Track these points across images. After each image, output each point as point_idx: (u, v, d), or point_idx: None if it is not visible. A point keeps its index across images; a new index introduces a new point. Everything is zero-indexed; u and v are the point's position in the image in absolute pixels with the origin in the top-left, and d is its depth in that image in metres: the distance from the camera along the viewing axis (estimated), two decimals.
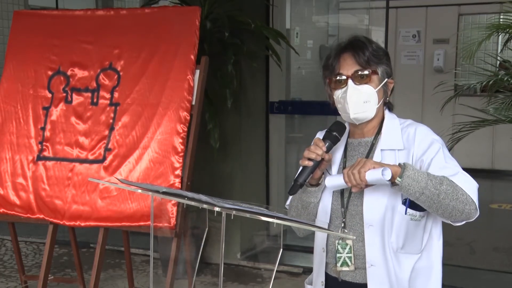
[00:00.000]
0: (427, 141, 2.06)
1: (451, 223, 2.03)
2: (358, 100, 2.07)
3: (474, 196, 1.97)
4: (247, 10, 4.98)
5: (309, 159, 2.05)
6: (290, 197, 2.26)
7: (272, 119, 5.65)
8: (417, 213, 2.05)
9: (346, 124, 2.17)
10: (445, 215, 1.98)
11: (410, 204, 2.03)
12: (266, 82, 5.54)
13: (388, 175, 1.92)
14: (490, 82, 4.47)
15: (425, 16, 9.19)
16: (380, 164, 1.95)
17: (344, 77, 2.09)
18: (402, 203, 2.04)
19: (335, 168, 2.16)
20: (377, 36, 5.61)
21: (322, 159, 2.06)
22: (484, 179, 8.66)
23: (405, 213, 2.03)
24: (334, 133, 2.10)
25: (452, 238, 5.25)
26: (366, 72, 2.07)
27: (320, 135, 2.19)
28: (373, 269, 2.06)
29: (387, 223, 2.04)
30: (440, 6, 9.02)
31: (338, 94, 2.11)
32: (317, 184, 2.13)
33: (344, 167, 2.13)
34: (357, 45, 2.10)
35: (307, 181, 2.07)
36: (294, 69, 6.29)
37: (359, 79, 2.08)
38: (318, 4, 6.85)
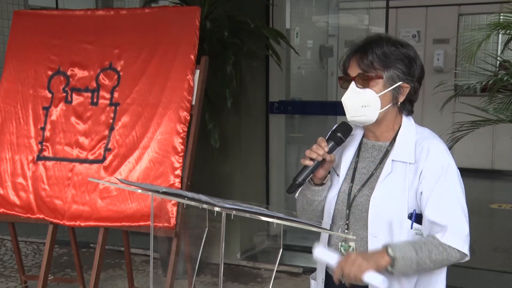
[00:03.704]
0: (438, 167, 2.01)
1: None
2: (354, 103, 2.03)
3: (465, 247, 1.98)
4: (247, 10, 4.98)
5: (311, 159, 2.02)
6: (300, 188, 2.24)
7: (272, 119, 5.64)
8: (422, 227, 2.03)
9: (352, 125, 2.13)
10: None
11: (416, 218, 2.01)
12: (266, 82, 5.54)
13: (384, 284, 1.92)
14: (490, 82, 4.47)
15: (425, 16, 9.20)
16: (373, 261, 1.92)
17: (348, 78, 2.05)
18: (408, 217, 2.01)
19: (345, 166, 2.13)
20: None
21: (324, 159, 2.03)
22: (484, 179, 8.66)
23: (411, 228, 2.01)
24: (339, 134, 2.06)
25: None
26: (368, 75, 2.02)
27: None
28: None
29: (391, 236, 2.01)
30: (440, 6, 9.02)
31: (344, 94, 2.07)
32: (322, 184, 2.11)
33: (355, 168, 2.11)
34: (365, 48, 2.04)
35: (306, 180, 2.05)
36: (294, 69, 6.30)
37: (362, 82, 2.02)
38: (318, 4, 6.86)
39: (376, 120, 2.05)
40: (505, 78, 4.42)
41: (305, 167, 2.03)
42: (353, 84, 2.04)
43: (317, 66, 6.79)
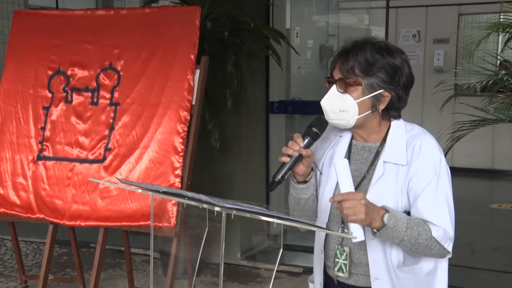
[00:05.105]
0: (430, 167, 2.01)
1: None
2: (332, 106, 2.05)
3: (450, 246, 2.01)
4: (247, 10, 4.98)
5: (288, 155, 2.03)
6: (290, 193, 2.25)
7: (272, 119, 5.65)
8: None
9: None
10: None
11: None
12: (266, 82, 5.54)
13: (358, 240, 1.94)
14: (490, 82, 4.47)
15: (425, 16, 9.20)
16: (369, 218, 1.92)
17: (332, 80, 2.07)
18: None
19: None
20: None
21: (301, 155, 2.04)
22: (484, 179, 8.66)
23: None
24: (314, 129, 2.08)
25: None
26: (347, 81, 2.02)
27: None
28: (378, 282, 2.05)
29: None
30: (440, 6, 9.03)
31: (324, 96, 2.09)
32: (305, 181, 2.12)
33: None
34: (349, 53, 2.04)
35: (285, 177, 2.06)
36: (294, 69, 6.29)
37: (343, 87, 2.03)
38: (318, 4, 6.85)
39: (355, 125, 2.07)
40: (505, 78, 4.42)
41: (283, 164, 2.05)
42: (334, 87, 2.05)
43: (317, 66, 6.78)
